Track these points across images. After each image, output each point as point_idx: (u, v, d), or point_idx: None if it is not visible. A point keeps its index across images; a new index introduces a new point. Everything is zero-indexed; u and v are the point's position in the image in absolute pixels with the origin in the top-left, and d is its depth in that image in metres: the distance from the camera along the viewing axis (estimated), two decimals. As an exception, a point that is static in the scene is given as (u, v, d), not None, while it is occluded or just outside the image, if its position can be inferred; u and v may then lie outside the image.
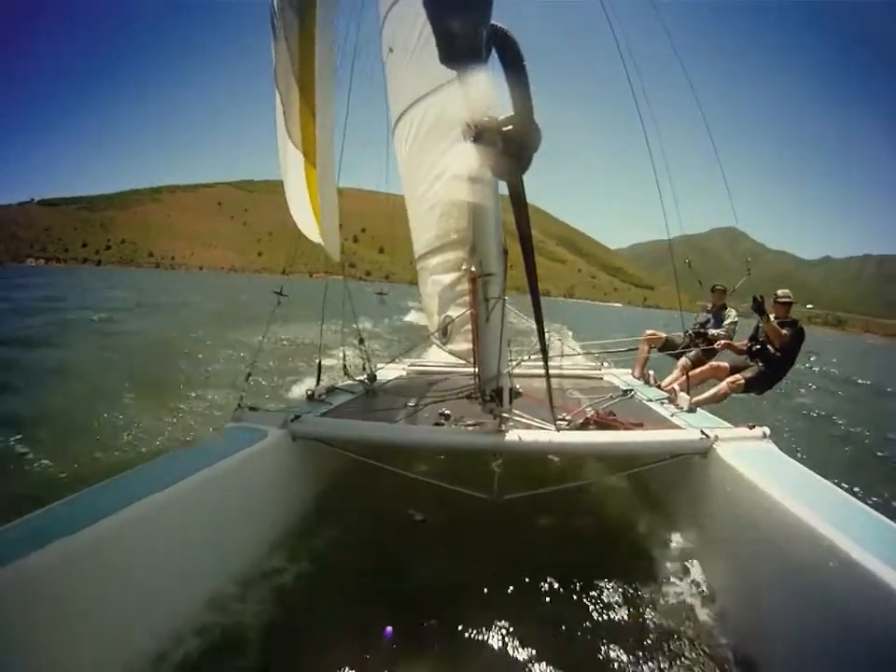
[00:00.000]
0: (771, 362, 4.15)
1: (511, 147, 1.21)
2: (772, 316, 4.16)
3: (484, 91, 1.18)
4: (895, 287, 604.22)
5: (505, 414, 2.48)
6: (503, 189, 1.94)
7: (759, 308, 4.04)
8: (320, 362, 3.67)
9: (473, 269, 2.55)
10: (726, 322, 4.71)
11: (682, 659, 1.90)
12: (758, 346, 4.26)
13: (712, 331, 4.68)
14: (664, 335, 4.99)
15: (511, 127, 1.17)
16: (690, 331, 4.81)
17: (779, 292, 4.35)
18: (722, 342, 4.51)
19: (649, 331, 5.09)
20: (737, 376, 4.07)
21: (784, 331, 4.06)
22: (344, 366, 3.98)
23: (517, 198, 1.48)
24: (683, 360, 4.48)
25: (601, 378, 4.85)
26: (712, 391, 4.04)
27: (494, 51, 1.16)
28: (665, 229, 3.51)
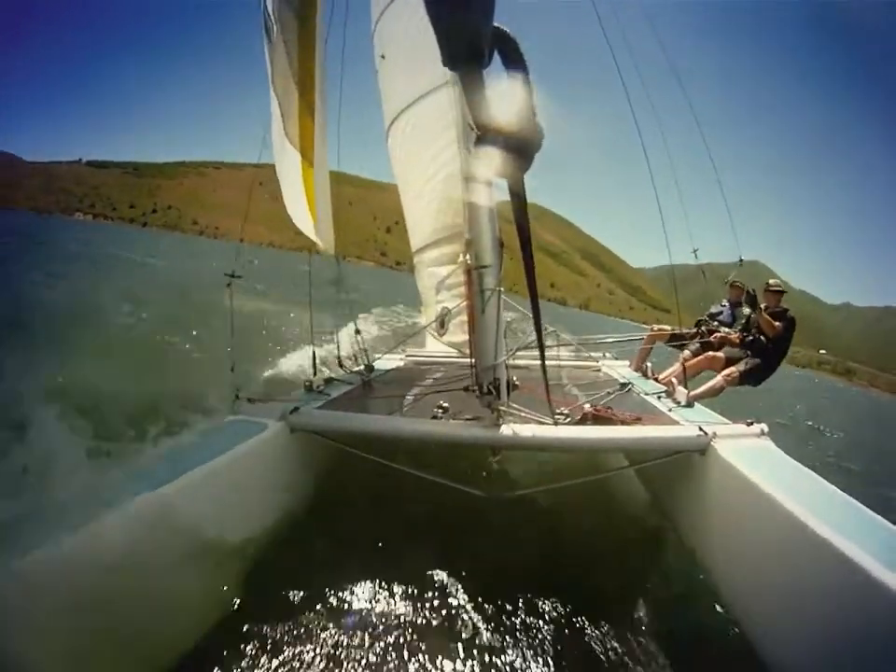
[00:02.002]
0: (764, 353, 4.19)
1: (513, 147, 1.23)
2: (763, 306, 4.22)
3: (486, 93, 1.20)
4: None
5: (503, 408, 2.47)
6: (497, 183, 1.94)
7: (752, 301, 4.15)
8: (314, 352, 3.59)
9: (469, 260, 2.54)
10: (741, 319, 4.70)
11: (679, 656, 1.92)
12: (751, 338, 4.30)
13: (725, 330, 4.66)
14: (669, 329, 5.00)
15: (513, 127, 1.19)
16: (700, 324, 4.85)
17: (771, 281, 4.42)
18: (718, 335, 4.53)
19: (655, 327, 5.13)
20: (732, 369, 4.10)
21: (777, 324, 4.12)
22: (338, 358, 3.95)
23: (517, 196, 1.50)
24: (686, 353, 4.49)
25: (599, 370, 4.86)
26: (708, 385, 4.05)
27: (495, 52, 1.17)
28: (669, 252, 3.71)
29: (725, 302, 4.97)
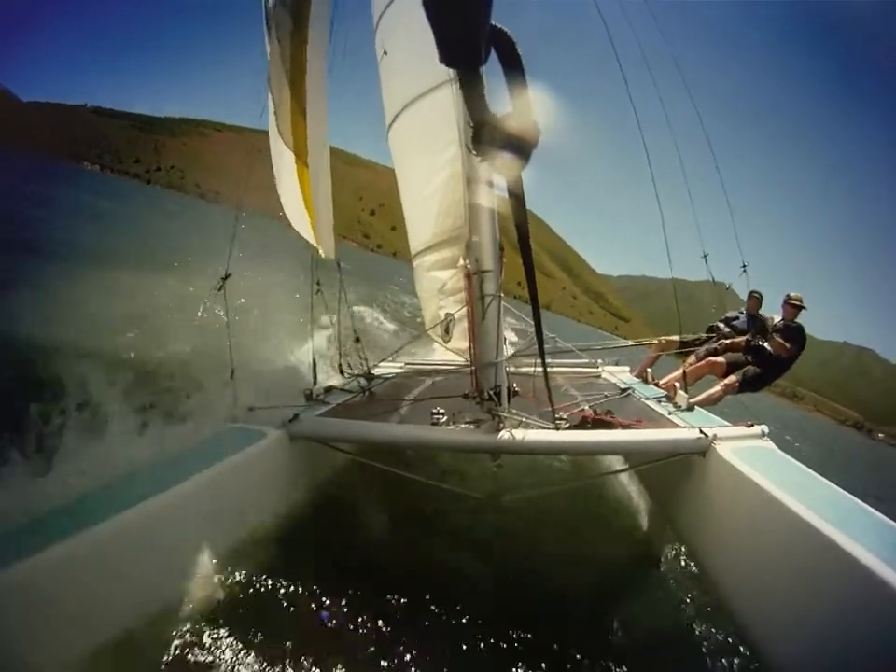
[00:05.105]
0: (767, 361, 4.23)
1: (510, 144, 1.22)
2: (777, 318, 4.34)
3: (483, 90, 1.19)
4: (861, 381, 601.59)
5: (503, 413, 2.47)
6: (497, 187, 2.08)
7: (762, 330, 4.29)
8: (314, 360, 3.59)
9: (469, 265, 2.53)
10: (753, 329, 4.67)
11: (681, 656, 1.96)
12: (755, 344, 4.33)
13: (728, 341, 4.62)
14: (677, 338, 5.01)
15: (510, 124, 1.19)
16: (711, 330, 4.93)
17: (792, 294, 4.44)
18: (723, 343, 4.57)
19: (663, 339, 5.10)
20: (733, 378, 4.11)
21: (788, 346, 4.19)
22: (339, 365, 3.95)
23: (516, 195, 1.50)
24: (691, 358, 4.54)
25: (599, 376, 4.85)
26: (707, 393, 4.06)
27: (493, 51, 1.15)
28: (670, 262, 3.84)
29: (743, 310, 4.98)
